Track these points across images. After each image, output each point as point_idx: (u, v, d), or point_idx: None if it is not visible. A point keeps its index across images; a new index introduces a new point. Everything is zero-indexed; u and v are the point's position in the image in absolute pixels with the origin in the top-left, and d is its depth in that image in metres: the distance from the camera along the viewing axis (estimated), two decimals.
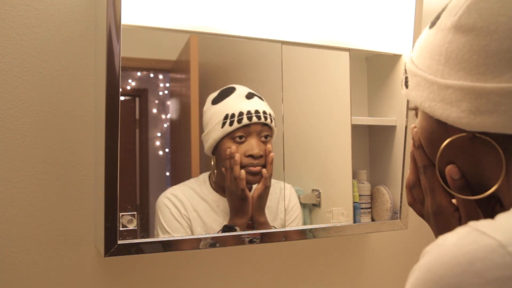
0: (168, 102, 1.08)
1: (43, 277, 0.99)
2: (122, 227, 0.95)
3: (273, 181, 1.12)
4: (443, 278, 0.36)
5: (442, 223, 0.55)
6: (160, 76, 1.07)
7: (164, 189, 1.05)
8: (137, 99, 1.06)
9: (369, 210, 1.28)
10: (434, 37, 0.51)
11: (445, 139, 0.51)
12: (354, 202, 1.23)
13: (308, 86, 1.20)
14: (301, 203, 1.18)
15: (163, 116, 1.07)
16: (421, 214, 0.60)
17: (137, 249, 0.94)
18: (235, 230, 1.06)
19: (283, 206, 1.14)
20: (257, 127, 1.08)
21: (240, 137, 1.07)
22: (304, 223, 1.18)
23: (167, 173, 1.08)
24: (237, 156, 1.05)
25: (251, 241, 1.06)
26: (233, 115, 1.06)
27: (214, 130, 1.06)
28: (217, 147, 1.07)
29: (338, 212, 1.20)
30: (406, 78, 0.55)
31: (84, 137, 1.03)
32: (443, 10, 0.52)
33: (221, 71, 1.13)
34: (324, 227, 1.16)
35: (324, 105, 1.22)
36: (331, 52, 1.21)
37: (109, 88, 0.89)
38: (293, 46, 1.15)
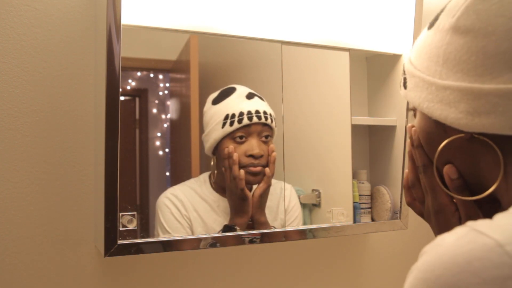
0: (168, 102, 1.08)
1: (43, 277, 0.99)
2: (122, 227, 0.95)
3: (273, 181, 1.12)
4: (441, 277, 0.36)
5: (442, 222, 0.55)
6: (160, 76, 1.07)
7: (164, 189, 1.05)
8: (137, 99, 1.06)
9: (369, 210, 1.28)
10: (433, 38, 0.51)
11: (443, 140, 0.51)
12: (354, 202, 1.23)
13: (308, 86, 1.20)
14: (301, 203, 1.18)
15: (163, 116, 1.07)
16: (420, 213, 0.60)
17: (137, 249, 0.94)
18: (235, 230, 1.06)
19: (283, 206, 1.14)
20: (257, 127, 1.08)
21: (241, 137, 1.07)
22: (304, 223, 1.18)
23: (167, 173, 1.08)
24: (236, 156, 1.05)
25: (251, 241, 1.06)
26: (233, 115, 1.06)
27: (214, 130, 1.06)
28: (218, 147, 1.07)
29: (338, 212, 1.20)
30: (405, 79, 0.56)
31: (84, 137, 1.03)
32: (441, 11, 0.52)
33: (221, 71, 1.14)
34: (324, 227, 1.16)
35: (324, 105, 1.22)
36: (331, 52, 1.21)
37: (109, 88, 0.89)
38: (293, 46, 1.15)
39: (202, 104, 1.09)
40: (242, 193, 1.06)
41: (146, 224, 1.02)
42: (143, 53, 1.05)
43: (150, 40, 1.04)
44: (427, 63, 0.51)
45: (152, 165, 1.05)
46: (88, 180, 1.03)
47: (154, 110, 1.06)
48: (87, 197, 1.03)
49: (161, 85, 1.08)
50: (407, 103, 1.24)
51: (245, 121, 1.06)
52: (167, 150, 1.06)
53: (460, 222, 0.54)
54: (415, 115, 0.57)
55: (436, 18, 0.52)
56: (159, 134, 1.06)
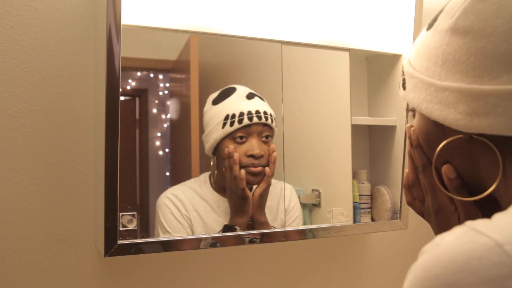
0: (168, 102, 1.08)
1: (43, 277, 0.99)
2: (122, 227, 0.95)
3: (273, 181, 1.12)
4: (440, 277, 0.36)
5: (443, 221, 0.55)
6: (160, 76, 1.07)
7: (164, 189, 1.05)
8: (137, 99, 1.06)
9: (369, 210, 1.28)
10: (432, 39, 0.51)
11: (442, 140, 0.51)
12: (354, 202, 1.23)
13: (308, 86, 1.20)
14: (301, 203, 1.18)
15: (163, 116, 1.07)
16: (420, 213, 0.61)
17: (137, 249, 0.94)
18: (235, 230, 1.06)
19: (283, 206, 1.14)
20: (257, 128, 1.08)
21: (241, 137, 1.07)
22: (304, 223, 1.18)
23: (167, 173, 1.08)
24: (236, 156, 1.05)
25: (251, 241, 1.06)
26: (233, 116, 1.06)
27: (214, 131, 1.06)
28: (218, 147, 1.07)
29: (338, 212, 1.20)
30: (404, 79, 0.56)
31: (84, 137, 1.03)
32: (440, 12, 0.52)
33: (221, 71, 1.14)
34: (324, 227, 1.16)
35: (324, 105, 1.22)
36: (331, 52, 1.21)
37: (109, 88, 0.89)
38: (293, 46, 1.15)
39: (202, 104, 1.09)
40: (243, 193, 1.06)
41: (146, 224, 1.02)
42: (143, 53, 1.05)
43: (150, 40, 1.04)
44: (426, 64, 0.51)
45: (152, 165, 1.05)
46: (88, 180, 1.03)
47: (154, 110, 1.06)
48: (87, 197, 1.03)
49: (161, 85, 1.08)
50: (407, 104, 1.24)
51: (246, 121, 1.06)
52: (167, 150, 1.06)
53: (460, 221, 0.54)
54: (414, 116, 0.57)
55: (435, 19, 0.52)
56: (159, 134, 1.06)
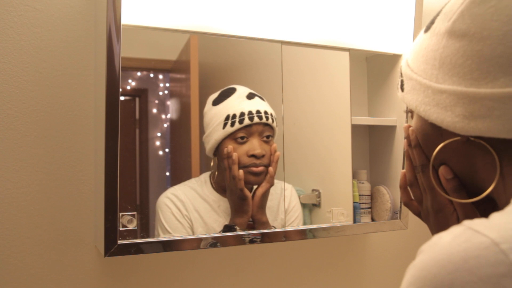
0: (168, 102, 1.08)
1: (43, 277, 0.99)
2: (122, 227, 0.95)
3: (274, 181, 1.12)
4: (437, 275, 0.37)
5: (442, 221, 0.55)
6: (160, 76, 1.07)
7: (164, 189, 1.05)
8: (137, 99, 1.06)
9: (369, 210, 1.28)
10: (429, 42, 0.51)
11: (440, 142, 0.52)
12: (354, 202, 1.23)
13: (308, 86, 1.20)
14: (301, 203, 1.18)
15: (163, 116, 1.07)
16: (417, 213, 0.61)
17: (137, 249, 0.94)
18: (235, 230, 1.06)
19: (283, 206, 1.14)
20: (258, 127, 1.08)
21: (242, 137, 1.07)
22: (304, 223, 1.18)
23: (167, 173, 1.08)
24: (235, 156, 1.05)
25: (251, 241, 1.06)
26: (234, 116, 1.06)
27: (215, 131, 1.06)
28: (219, 148, 1.07)
29: (338, 212, 1.20)
30: (402, 81, 0.56)
31: (84, 137, 1.03)
32: (437, 14, 0.52)
33: (221, 71, 1.14)
34: (324, 227, 1.16)
35: (324, 105, 1.22)
36: (331, 52, 1.21)
37: (109, 88, 0.89)
38: (293, 46, 1.15)
39: (202, 104, 1.09)
40: (242, 193, 1.06)
41: (146, 224, 1.02)
42: (143, 53, 1.05)
43: (150, 40, 1.04)
44: (424, 66, 0.51)
45: (152, 165, 1.05)
46: (88, 180, 1.03)
47: (154, 110, 1.06)
48: (87, 197, 1.03)
49: (161, 85, 1.08)
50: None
51: (246, 121, 1.06)
52: (167, 150, 1.06)
53: (459, 221, 0.54)
54: (412, 116, 0.57)
55: (432, 22, 0.52)
56: (159, 134, 1.06)
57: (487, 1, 0.46)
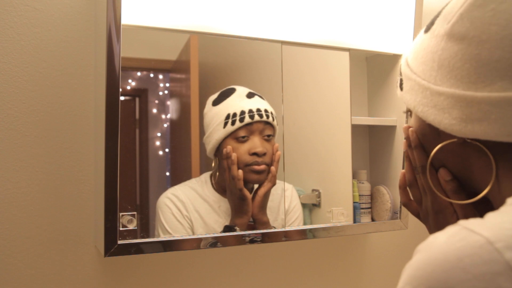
0: (168, 102, 1.08)
1: (43, 277, 0.99)
2: (122, 227, 0.95)
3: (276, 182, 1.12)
4: (432, 274, 0.37)
5: (442, 222, 0.55)
6: (160, 76, 1.07)
7: (164, 189, 1.05)
8: (137, 99, 1.06)
9: (369, 210, 1.28)
10: (428, 43, 0.52)
11: (437, 142, 0.53)
12: (354, 202, 1.23)
13: (308, 86, 1.20)
14: (301, 203, 1.18)
15: (163, 116, 1.07)
16: (416, 213, 0.61)
17: (137, 249, 0.94)
18: (235, 231, 1.06)
19: (284, 207, 1.14)
20: (259, 126, 1.08)
21: (243, 136, 1.07)
22: (304, 223, 1.18)
23: (167, 173, 1.08)
24: (234, 156, 1.05)
25: (251, 241, 1.06)
26: (234, 115, 1.06)
27: (216, 131, 1.06)
28: (219, 148, 1.07)
29: (338, 212, 1.20)
30: (401, 80, 0.56)
31: (84, 137, 1.03)
32: (438, 15, 0.52)
33: (221, 71, 1.14)
34: (324, 227, 1.16)
35: (324, 105, 1.22)
36: (331, 52, 1.21)
37: (109, 88, 0.89)
38: (293, 46, 1.15)
39: (202, 104, 1.09)
40: (241, 193, 1.06)
41: (146, 224, 1.02)
42: (143, 53, 1.05)
43: (150, 40, 1.04)
44: (423, 67, 0.52)
45: (152, 165, 1.05)
46: (88, 180, 1.03)
47: (154, 110, 1.06)
48: (87, 197, 1.03)
49: (161, 85, 1.08)
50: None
51: (247, 119, 1.06)
52: (167, 150, 1.06)
53: None
54: (410, 115, 0.58)
55: (432, 22, 0.53)
56: (159, 134, 1.06)
57: (486, 5, 0.46)
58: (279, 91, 1.14)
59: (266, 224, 1.10)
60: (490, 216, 0.40)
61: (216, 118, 1.07)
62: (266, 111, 1.09)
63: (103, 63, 0.90)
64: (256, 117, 1.07)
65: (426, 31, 0.53)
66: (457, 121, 0.47)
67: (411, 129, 0.57)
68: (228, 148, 1.05)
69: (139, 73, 1.05)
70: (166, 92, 1.08)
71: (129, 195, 1.00)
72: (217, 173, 1.09)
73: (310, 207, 1.21)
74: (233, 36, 1.08)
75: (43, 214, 0.99)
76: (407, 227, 1.27)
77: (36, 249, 0.98)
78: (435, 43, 0.50)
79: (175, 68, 1.08)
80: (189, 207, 1.06)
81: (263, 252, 1.22)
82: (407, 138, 0.58)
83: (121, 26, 0.90)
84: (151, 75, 1.06)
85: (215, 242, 1.02)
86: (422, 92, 0.51)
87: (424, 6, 1.24)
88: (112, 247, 0.90)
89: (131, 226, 0.96)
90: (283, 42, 1.14)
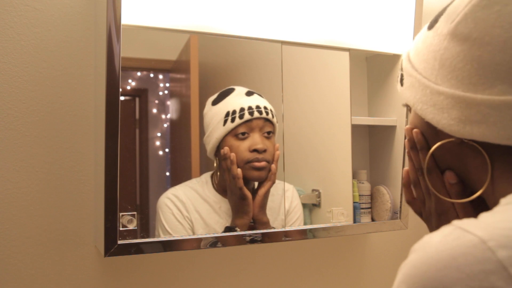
0: (168, 102, 1.08)
1: (43, 277, 0.99)
2: (122, 227, 0.95)
3: (275, 181, 1.12)
4: (426, 273, 0.38)
5: (445, 223, 0.55)
6: (160, 76, 1.07)
7: (164, 189, 1.05)
8: (137, 99, 1.06)
9: (369, 210, 1.28)
10: (431, 41, 0.52)
11: (435, 141, 0.53)
12: (354, 202, 1.23)
13: (308, 86, 1.20)
14: (301, 203, 1.18)
15: (163, 116, 1.07)
16: (419, 212, 0.61)
17: (137, 249, 0.94)
18: (235, 232, 1.06)
19: (285, 207, 1.14)
20: (259, 122, 1.08)
21: (243, 133, 1.07)
22: (304, 223, 1.18)
23: (167, 173, 1.08)
24: (233, 156, 1.05)
25: (251, 241, 1.06)
26: (234, 112, 1.06)
27: (216, 129, 1.06)
28: (220, 148, 1.07)
29: (338, 212, 1.20)
30: (402, 75, 0.56)
31: (84, 137, 1.03)
32: (442, 13, 0.52)
33: (221, 71, 1.14)
34: (324, 227, 1.16)
35: (324, 105, 1.22)
36: (331, 52, 1.21)
37: (109, 88, 0.89)
38: (293, 46, 1.15)
39: (202, 104, 1.09)
40: (241, 192, 1.06)
41: (146, 224, 1.02)
42: (143, 53, 1.05)
43: (150, 40, 1.04)
44: (424, 65, 0.52)
45: (152, 165, 1.05)
46: (88, 180, 1.03)
47: (154, 110, 1.06)
48: (87, 197, 1.03)
49: (161, 85, 1.08)
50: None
51: (247, 116, 1.06)
52: (167, 150, 1.06)
53: None
54: (410, 111, 0.58)
55: (436, 20, 0.52)
56: (159, 134, 1.06)
57: (491, 6, 0.46)
58: (279, 91, 1.14)
59: (266, 225, 1.10)
60: (484, 216, 0.41)
61: (216, 117, 1.07)
62: (265, 108, 1.09)
63: (103, 63, 0.90)
64: (256, 114, 1.07)
65: (430, 28, 0.53)
66: (456, 121, 0.47)
67: (415, 130, 0.57)
68: (226, 149, 1.05)
69: (139, 73, 1.05)
70: (166, 92, 1.08)
71: (129, 195, 1.00)
72: (218, 173, 1.09)
73: (310, 207, 1.21)
74: (233, 36, 1.08)
75: (43, 214, 0.99)
76: (407, 227, 1.27)
77: (36, 249, 0.98)
78: (438, 41, 0.50)
79: (175, 68, 1.08)
80: (189, 207, 1.06)
81: (263, 252, 1.22)
82: (410, 139, 0.58)
83: (121, 26, 0.90)
84: (151, 75, 1.06)
85: (215, 242, 1.02)
86: (422, 90, 0.51)
87: (424, 6, 1.24)
88: (112, 247, 0.90)
89: (131, 226, 0.96)
90: (283, 42, 1.14)
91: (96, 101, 1.01)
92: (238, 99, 1.08)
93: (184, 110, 1.08)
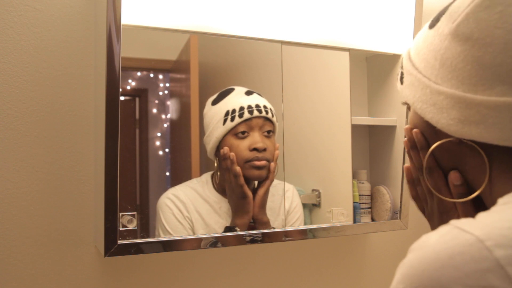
0: (168, 102, 1.08)
1: (43, 277, 0.99)
2: (122, 227, 0.95)
3: (276, 181, 1.12)
4: (424, 272, 0.38)
5: (447, 222, 0.55)
6: (160, 76, 1.07)
7: (164, 189, 1.05)
8: (137, 99, 1.06)
9: (369, 210, 1.28)
10: (432, 40, 0.52)
11: (434, 140, 0.53)
12: (354, 202, 1.23)
13: (308, 86, 1.20)
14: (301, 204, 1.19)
15: (163, 116, 1.07)
16: (422, 209, 0.61)
17: (137, 249, 0.94)
18: (235, 232, 1.06)
19: (285, 207, 1.14)
20: (259, 121, 1.08)
21: (243, 132, 1.07)
22: (304, 223, 1.18)
23: (167, 173, 1.08)
24: (232, 155, 1.05)
25: (251, 241, 1.06)
26: (233, 111, 1.06)
27: (216, 129, 1.06)
28: (220, 147, 1.07)
29: (338, 212, 1.20)
30: (402, 73, 0.56)
31: (84, 137, 1.03)
32: (443, 12, 0.52)
33: (221, 71, 1.14)
34: (324, 227, 1.16)
35: (324, 105, 1.22)
36: (331, 52, 1.21)
37: (109, 88, 0.89)
38: (293, 46, 1.15)
39: (202, 104, 1.09)
40: (242, 190, 1.06)
41: (146, 224, 1.02)
42: (143, 53, 1.05)
43: (150, 40, 1.04)
44: (424, 64, 0.52)
45: (152, 165, 1.05)
46: (88, 180, 1.03)
47: (154, 110, 1.06)
48: (87, 197, 1.03)
49: (161, 85, 1.08)
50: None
51: (246, 115, 1.06)
52: (167, 150, 1.06)
53: None
54: (409, 109, 0.58)
55: (437, 19, 0.52)
56: (159, 134, 1.06)
57: (493, 7, 0.46)
58: (279, 91, 1.14)
59: (266, 224, 1.10)
60: (481, 215, 0.41)
61: (215, 117, 1.07)
62: (265, 107, 1.09)
63: (103, 63, 0.90)
64: (255, 113, 1.07)
65: (431, 27, 0.53)
66: (455, 121, 0.48)
67: (415, 130, 0.57)
68: (225, 148, 1.05)
69: (139, 73, 1.05)
70: (166, 92, 1.08)
71: (129, 195, 1.00)
72: (218, 173, 1.09)
73: (310, 207, 1.21)
74: (233, 36, 1.08)
75: (43, 214, 0.99)
76: (407, 227, 1.27)
77: (36, 249, 0.98)
78: (439, 41, 0.50)
79: (175, 68, 1.08)
80: (189, 207, 1.06)
81: (263, 252, 1.22)
82: (410, 139, 0.58)
83: (121, 26, 0.90)
84: (151, 75, 1.06)
85: (215, 242, 1.02)
86: (422, 89, 0.51)
87: (424, 6, 1.24)
88: (112, 247, 0.90)
89: (131, 226, 0.96)
90: (283, 42, 1.14)
91: (96, 101, 1.01)
92: (237, 99, 1.08)
93: (184, 110, 1.08)
